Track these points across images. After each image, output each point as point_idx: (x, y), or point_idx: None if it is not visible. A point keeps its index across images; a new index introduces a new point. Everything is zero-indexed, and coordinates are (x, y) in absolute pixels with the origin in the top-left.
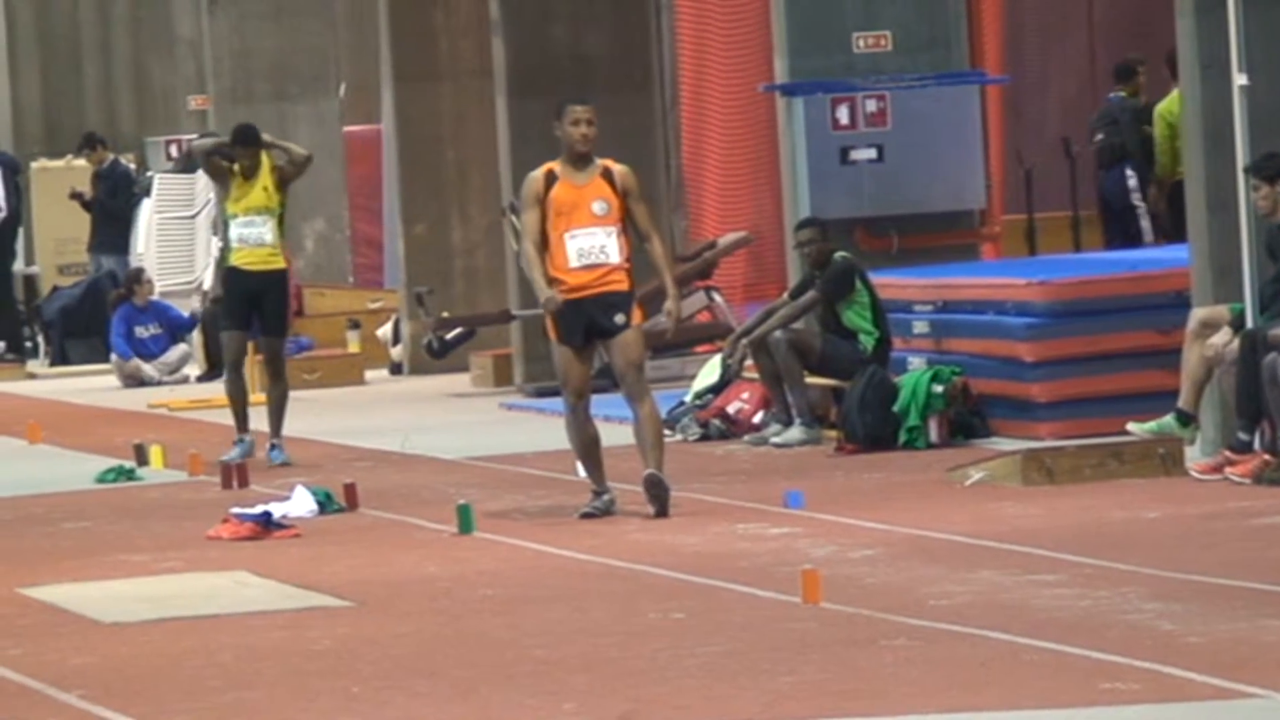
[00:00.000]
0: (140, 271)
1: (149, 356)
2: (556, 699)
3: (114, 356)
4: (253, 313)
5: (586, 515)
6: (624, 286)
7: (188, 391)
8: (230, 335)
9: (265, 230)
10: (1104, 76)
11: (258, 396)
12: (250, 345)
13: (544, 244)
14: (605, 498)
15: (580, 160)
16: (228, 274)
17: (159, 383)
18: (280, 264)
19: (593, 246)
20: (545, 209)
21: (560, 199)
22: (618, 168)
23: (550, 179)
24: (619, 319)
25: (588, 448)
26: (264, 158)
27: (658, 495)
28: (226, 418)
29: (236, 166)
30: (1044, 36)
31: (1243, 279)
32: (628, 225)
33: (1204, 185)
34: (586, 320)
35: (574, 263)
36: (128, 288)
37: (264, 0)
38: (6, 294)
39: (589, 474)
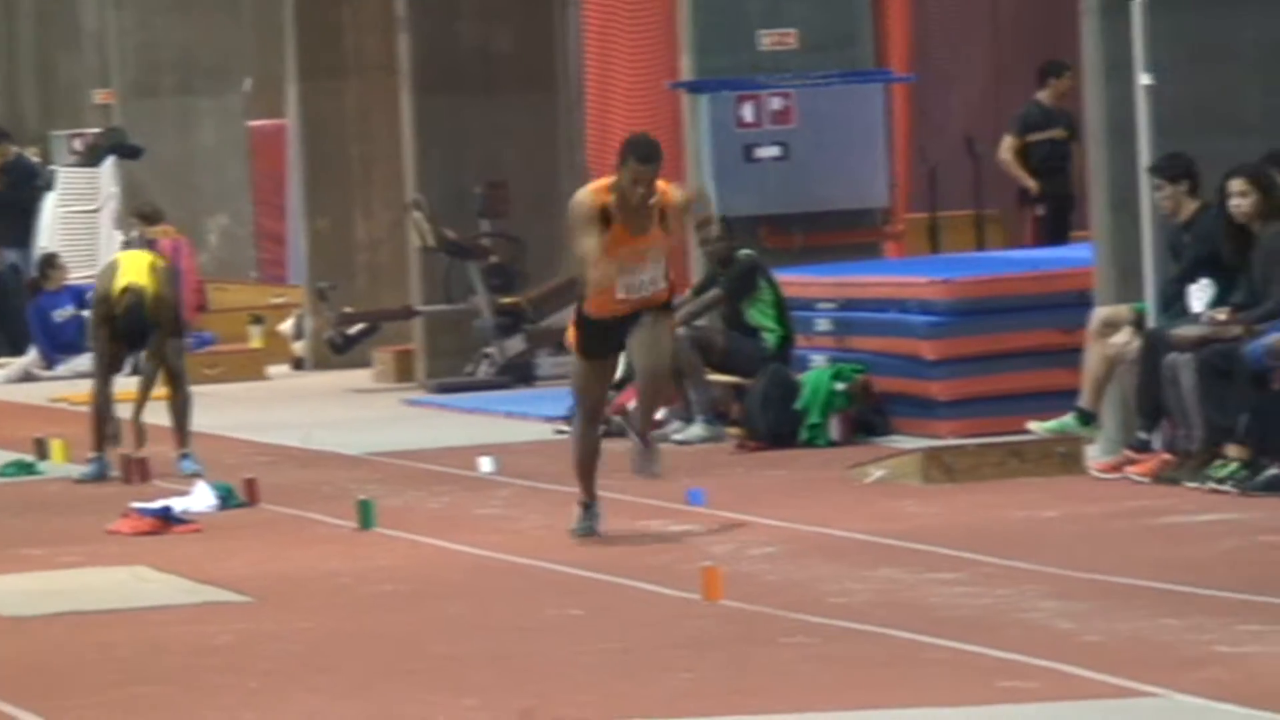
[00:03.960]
0: (54, 256)
1: (65, 343)
2: (457, 695)
3: (35, 353)
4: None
5: (583, 533)
6: (664, 298)
7: (89, 386)
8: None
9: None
10: (1008, 76)
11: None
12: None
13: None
14: (594, 510)
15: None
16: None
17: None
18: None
19: (642, 281)
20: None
21: (616, 240)
22: (673, 204)
23: (606, 216)
24: (644, 316)
25: (588, 460)
26: None
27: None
28: (129, 411)
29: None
30: (949, 35)
31: (1144, 279)
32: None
33: (1107, 185)
34: (617, 335)
35: (620, 294)
36: (42, 273)
37: None
38: None
39: (582, 483)
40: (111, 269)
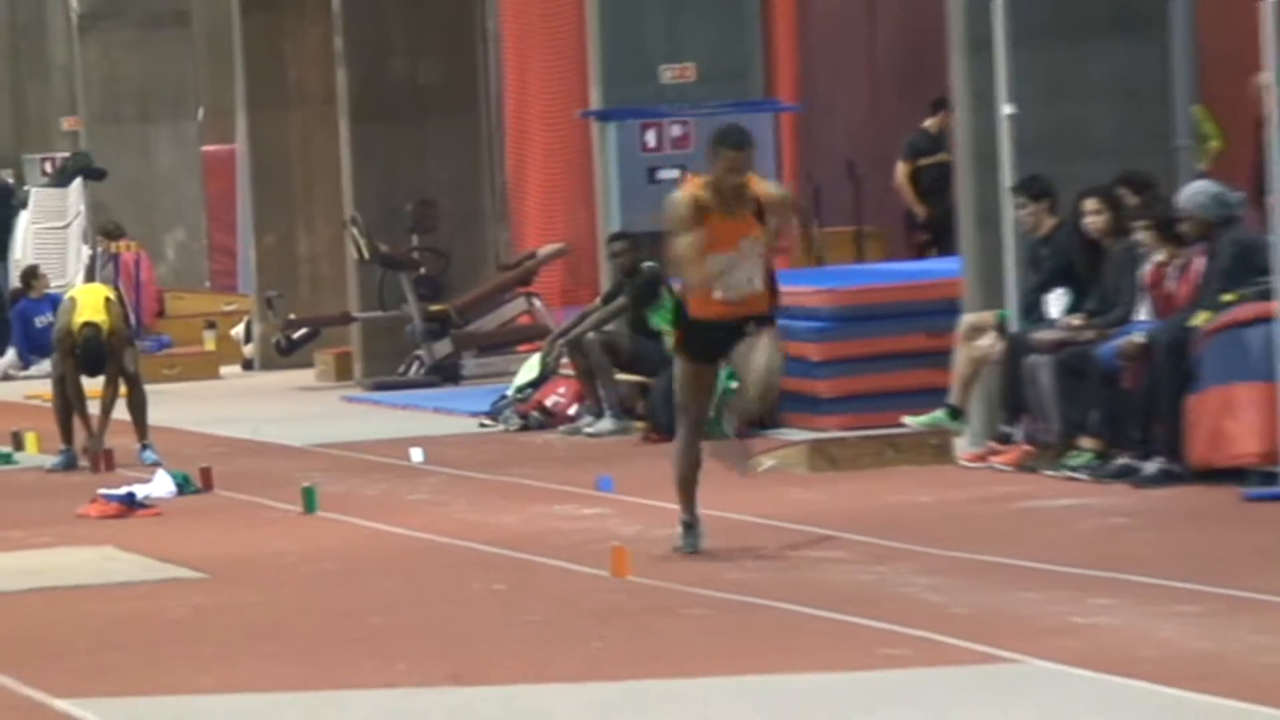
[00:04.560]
0: (36, 268)
1: (43, 345)
2: (391, 661)
3: (12, 355)
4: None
5: (688, 551)
6: (763, 308)
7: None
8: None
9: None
10: (884, 106)
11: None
12: None
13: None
14: (695, 530)
15: (730, 201)
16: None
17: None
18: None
19: (740, 280)
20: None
21: (712, 232)
22: (766, 196)
23: (700, 211)
24: (749, 327)
25: (689, 475)
26: None
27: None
28: (96, 407)
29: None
30: (832, 69)
31: (1006, 288)
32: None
33: (974, 204)
34: (719, 339)
35: (718, 295)
36: (25, 283)
37: (130, 30)
38: None
39: (682, 501)
40: (71, 306)
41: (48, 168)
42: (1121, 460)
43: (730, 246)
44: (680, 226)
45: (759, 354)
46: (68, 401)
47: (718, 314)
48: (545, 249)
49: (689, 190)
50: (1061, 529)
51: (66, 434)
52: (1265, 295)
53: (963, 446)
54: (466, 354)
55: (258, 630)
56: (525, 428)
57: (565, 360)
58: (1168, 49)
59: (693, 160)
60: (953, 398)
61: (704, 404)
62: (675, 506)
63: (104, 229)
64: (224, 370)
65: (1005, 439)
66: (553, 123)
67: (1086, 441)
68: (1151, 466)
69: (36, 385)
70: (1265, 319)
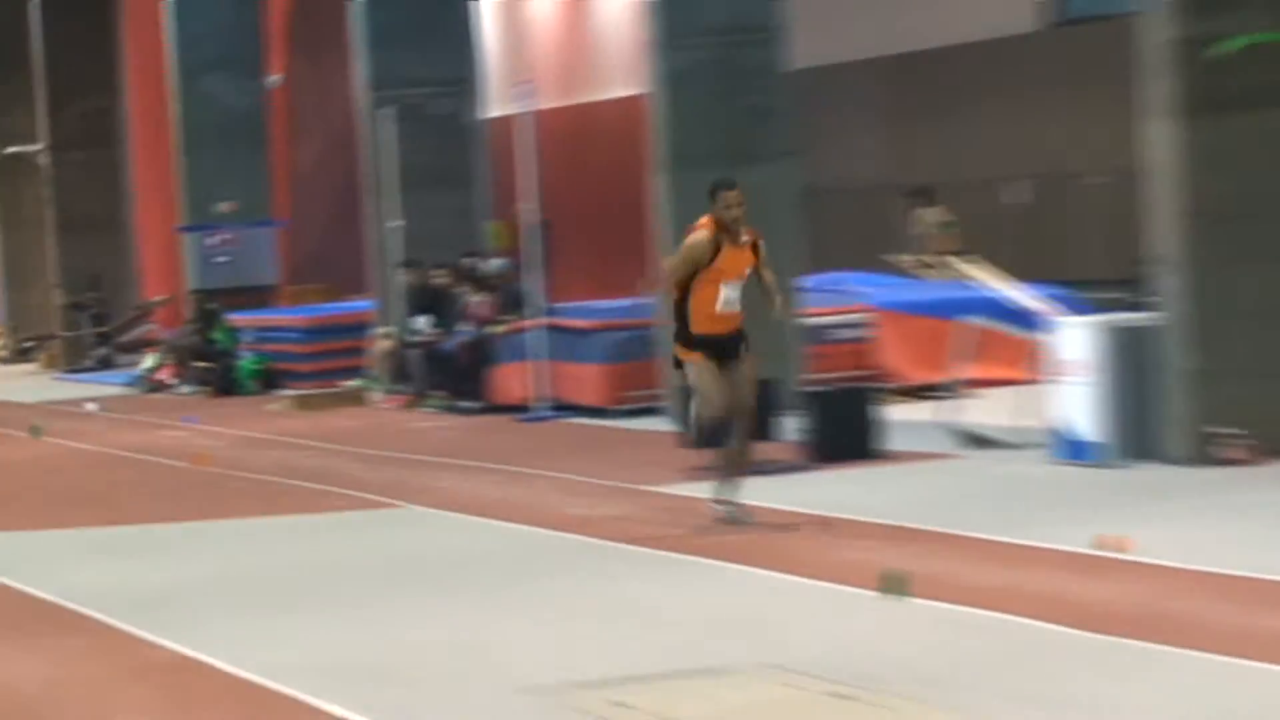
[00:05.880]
0: None
1: None
2: (91, 513)
3: None
4: None
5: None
6: (741, 326)
7: None
8: None
9: None
10: (338, 221)
11: None
12: None
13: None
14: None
15: (735, 233)
16: None
17: None
18: None
19: (736, 297)
20: (699, 266)
21: (725, 261)
22: (760, 240)
23: (717, 246)
24: (742, 349)
25: (734, 466)
26: None
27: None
28: None
29: None
30: (309, 198)
31: (398, 315)
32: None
33: (380, 251)
34: (724, 346)
35: (719, 308)
36: None
37: None
38: None
39: (724, 486)
40: None
41: None
42: (465, 404)
43: (738, 274)
44: (688, 257)
45: (743, 382)
46: None
47: (717, 330)
48: (157, 298)
49: (708, 233)
50: (425, 438)
51: None
52: (522, 318)
53: (377, 397)
54: (119, 355)
55: (12, 498)
56: (150, 391)
57: (171, 355)
58: (473, 194)
59: (235, 252)
60: (373, 372)
61: (729, 393)
62: (225, 430)
63: None
64: None
65: (395, 393)
66: (162, 234)
67: (437, 395)
68: (470, 405)
69: None
70: (522, 330)
